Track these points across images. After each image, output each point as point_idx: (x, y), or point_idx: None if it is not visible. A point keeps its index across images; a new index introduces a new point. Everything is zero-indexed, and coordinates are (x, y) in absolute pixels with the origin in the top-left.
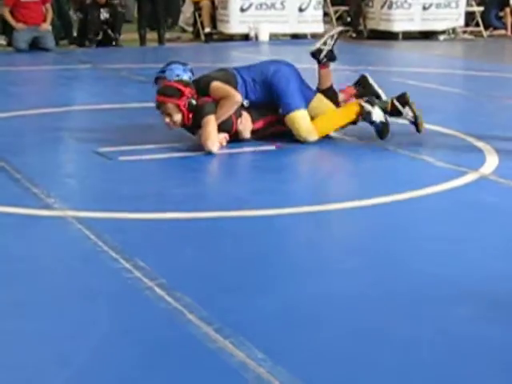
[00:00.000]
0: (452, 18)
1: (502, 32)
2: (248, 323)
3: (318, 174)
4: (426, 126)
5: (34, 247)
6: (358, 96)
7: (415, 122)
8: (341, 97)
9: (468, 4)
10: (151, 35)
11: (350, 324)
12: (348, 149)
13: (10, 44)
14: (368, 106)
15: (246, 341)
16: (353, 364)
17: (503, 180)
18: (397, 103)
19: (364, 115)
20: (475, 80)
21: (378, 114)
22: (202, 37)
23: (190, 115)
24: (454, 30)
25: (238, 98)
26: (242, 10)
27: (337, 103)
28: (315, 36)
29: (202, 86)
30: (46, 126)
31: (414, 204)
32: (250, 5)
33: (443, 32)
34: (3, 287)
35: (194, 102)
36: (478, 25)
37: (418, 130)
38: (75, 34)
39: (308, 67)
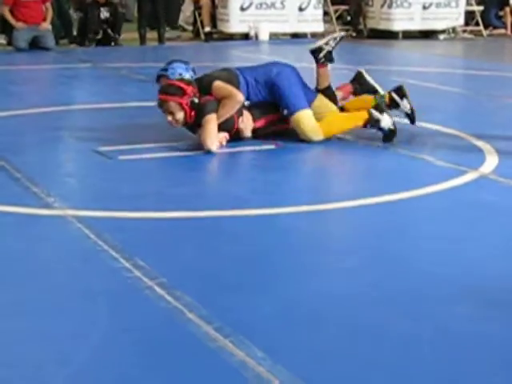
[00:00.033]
0: (452, 17)
1: (502, 31)
2: (248, 322)
3: (318, 173)
4: (426, 125)
5: (34, 246)
6: (355, 93)
7: (411, 115)
8: (339, 95)
9: (468, 3)
10: (151, 34)
11: (349, 323)
12: (348, 148)
13: (9, 43)
14: (377, 114)
15: (246, 340)
16: (353, 363)
17: (503, 179)
18: (395, 95)
19: (372, 123)
20: (475, 79)
21: (386, 121)
22: (202, 36)
23: (193, 113)
24: (453, 29)
25: (240, 97)
26: (242, 9)
27: (336, 102)
28: (315, 35)
29: (204, 85)
30: (46, 125)
31: (414, 203)
32: (250, 4)
33: (443, 31)
34: (3, 286)
35: (196, 100)
36: (477, 24)
37: (413, 122)
38: (75, 33)
39: (308, 66)
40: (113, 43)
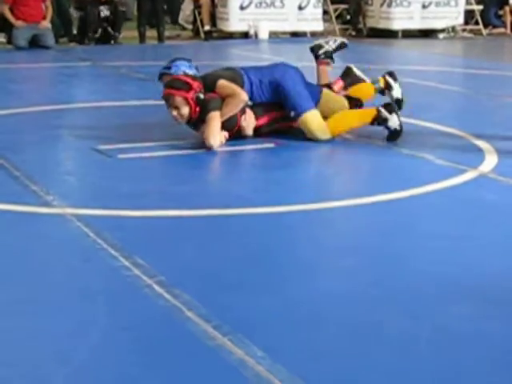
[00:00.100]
0: (451, 16)
1: (502, 30)
2: (247, 321)
3: (318, 172)
4: (426, 124)
5: (33, 245)
6: (347, 87)
7: (402, 100)
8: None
9: (467, 2)
10: (151, 33)
11: (349, 322)
12: (348, 146)
13: (9, 42)
14: (385, 113)
15: (245, 338)
16: (352, 362)
17: (502, 178)
18: (389, 78)
19: (380, 121)
20: (475, 78)
21: (394, 121)
22: (202, 35)
23: (197, 109)
24: (453, 28)
25: (244, 96)
26: (242, 7)
27: None
28: (315, 34)
29: (208, 83)
30: (46, 124)
31: (413, 202)
32: (250, 3)
33: (443, 30)
34: (2, 285)
35: (201, 96)
36: (477, 23)
37: (401, 108)
38: (75, 32)
39: (308, 65)
40: (112, 41)
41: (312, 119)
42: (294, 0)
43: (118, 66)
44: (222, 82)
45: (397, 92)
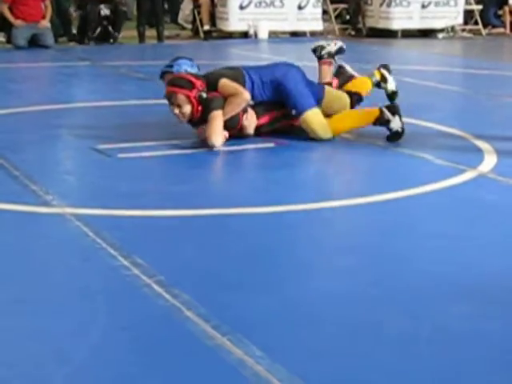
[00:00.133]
0: (451, 16)
1: (501, 30)
2: (246, 320)
3: (318, 172)
4: (425, 124)
5: (33, 244)
6: (340, 86)
7: (396, 92)
8: None
9: (467, 2)
10: (150, 32)
11: (348, 321)
12: (347, 147)
13: (9, 41)
14: (388, 114)
15: (244, 338)
16: (351, 361)
17: (502, 178)
18: (384, 71)
19: (382, 121)
20: (474, 78)
21: (396, 123)
22: (201, 34)
23: (200, 108)
24: (452, 28)
25: (246, 95)
26: (241, 7)
27: None
28: (314, 34)
29: (210, 82)
30: (45, 123)
31: (413, 201)
32: (250, 2)
33: (442, 30)
34: (1, 284)
35: (204, 95)
36: (476, 23)
37: (395, 99)
38: (74, 31)
39: (307, 65)
40: (111, 40)
41: (313, 118)
42: (294, 0)
43: (118, 66)
44: (224, 81)
45: (391, 84)
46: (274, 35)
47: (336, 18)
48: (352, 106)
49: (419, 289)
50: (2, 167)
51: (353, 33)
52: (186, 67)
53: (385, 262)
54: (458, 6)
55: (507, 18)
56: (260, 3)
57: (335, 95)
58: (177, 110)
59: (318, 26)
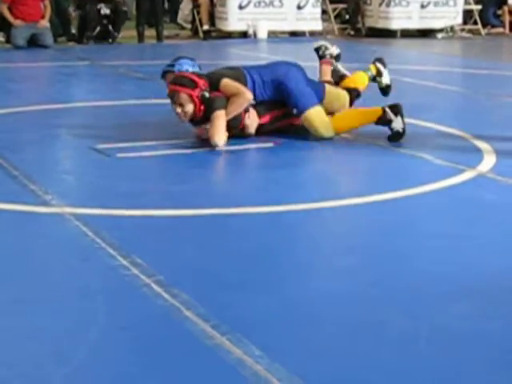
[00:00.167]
0: (450, 16)
1: (500, 30)
2: (246, 320)
3: (317, 172)
4: (424, 124)
5: (32, 244)
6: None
7: (390, 85)
8: None
9: (466, 2)
10: (149, 32)
11: (348, 321)
12: (347, 146)
13: (8, 41)
14: (391, 114)
15: (244, 338)
16: (351, 361)
17: (501, 178)
18: (379, 65)
19: (384, 121)
20: (473, 78)
21: (398, 124)
22: (201, 34)
23: (202, 107)
24: (452, 28)
25: (248, 95)
26: (241, 7)
27: None
28: (313, 33)
29: (212, 82)
30: (44, 123)
31: (412, 201)
32: (249, 2)
33: (441, 30)
34: (1, 284)
35: (207, 94)
36: (476, 23)
37: (388, 93)
38: (74, 31)
39: (306, 65)
40: (110, 40)
41: (315, 116)
42: None
43: (117, 66)
44: (226, 81)
45: (385, 78)
46: (273, 35)
47: (335, 17)
48: (351, 103)
49: (419, 289)
50: (1, 167)
51: (352, 33)
52: (187, 67)
53: (385, 262)
54: (457, 6)
55: (506, 18)
56: (259, 3)
57: (335, 93)
58: (179, 109)
59: (318, 25)
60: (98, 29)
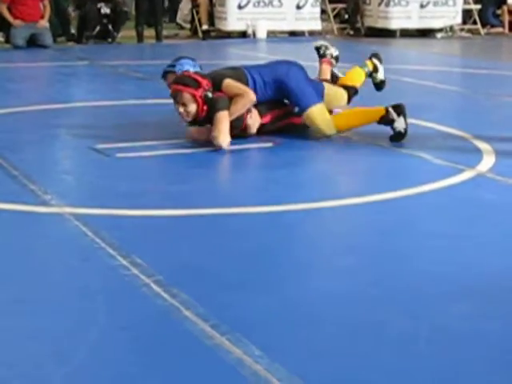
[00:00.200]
0: (449, 15)
1: (500, 30)
2: (245, 320)
3: (317, 172)
4: (424, 123)
5: (31, 244)
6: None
7: (384, 81)
8: None
9: (465, 2)
10: (149, 32)
11: (348, 321)
12: (347, 146)
13: (7, 41)
14: (393, 114)
15: (243, 337)
16: (351, 361)
17: (500, 177)
18: (376, 61)
19: (387, 121)
20: (473, 78)
21: (400, 124)
22: (200, 34)
23: (205, 108)
24: (451, 27)
25: (252, 96)
26: (240, 7)
27: None
28: (313, 33)
29: (214, 82)
30: (44, 123)
31: (411, 201)
32: (248, 2)
33: (440, 30)
34: (1, 284)
35: (210, 94)
36: (475, 22)
37: (382, 88)
38: (73, 31)
39: (306, 64)
40: (110, 40)
41: (317, 114)
42: None
43: (116, 65)
44: (228, 81)
45: (381, 74)
46: (272, 35)
47: (334, 17)
48: (349, 101)
49: (419, 288)
50: (0, 167)
51: (351, 32)
52: (188, 67)
53: (384, 262)
54: (456, 6)
55: (506, 18)
56: (258, 3)
57: (333, 91)
58: (182, 109)
59: (317, 25)
60: (98, 28)
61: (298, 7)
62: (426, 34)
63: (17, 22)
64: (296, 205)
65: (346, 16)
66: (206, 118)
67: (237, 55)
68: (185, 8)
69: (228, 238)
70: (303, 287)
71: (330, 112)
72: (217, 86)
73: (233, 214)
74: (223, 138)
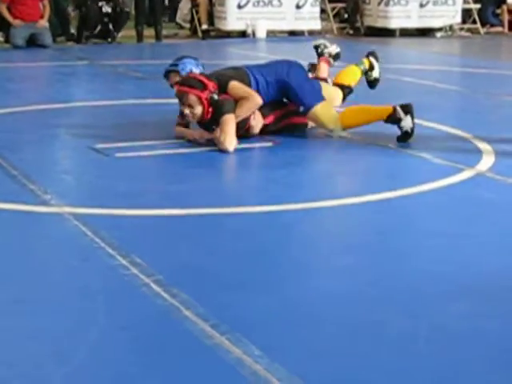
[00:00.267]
0: (449, 15)
1: (499, 29)
2: (245, 320)
3: (316, 171)
4: (423, 123)
5: (31, 244)
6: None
7: (378, 79)
8: None
9: (465, 1)
10: (148, 32)
11: (347, 321)
12: (347, 146)
13: (7, 40)
14: (401, 113)
15: (243, 337)
16: (350, 361)
17: (499, 177)
18: (372, 59)
19: (394, 120)
20: (472, 77)
21: (407, 123)
22: (199, 33)
23: (210, 110)
24: (450, 27)
25: (258, 99)
26: (240, 6)
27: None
28: (312, 33)
29: (220, 84)
30: (43, 123)
31: (411, 200)
32: (248, 2)
33: (440, 29)
34: (0, 284)
35: (215, 97)
36: (474, 22)
37: (373, 87)
38: (73, 31)
39: (305, 64)
40: (110, 39)
41: (322, 111)
42: None
43: (116, 65)
44: (233, 84)
45: (376, 72)
46: (272, 34)
47: (334, 16)
48: (343, 99)
49: (418, 288)
50: (0, 166)
51: (351, 32)
52: (190, 66)
53: (384, 261)
54: (456, 5)
55: (505, 17)
56: (258, 2)
57: (328, 91)
58: (187, 111)
59: (316, 25)
60: (99, 27)
61: (298, 7)
62: (425, 33)
63: (16, 22)
64: (296, 204)
65: (346, 15)
66: (211, 120)
67: (236, 55)
68: (184, 7)
69: (228, 238)
70: (303, 287)
71: None
72: (222, 87)
73: (232, 213)
74: (230, 142)
